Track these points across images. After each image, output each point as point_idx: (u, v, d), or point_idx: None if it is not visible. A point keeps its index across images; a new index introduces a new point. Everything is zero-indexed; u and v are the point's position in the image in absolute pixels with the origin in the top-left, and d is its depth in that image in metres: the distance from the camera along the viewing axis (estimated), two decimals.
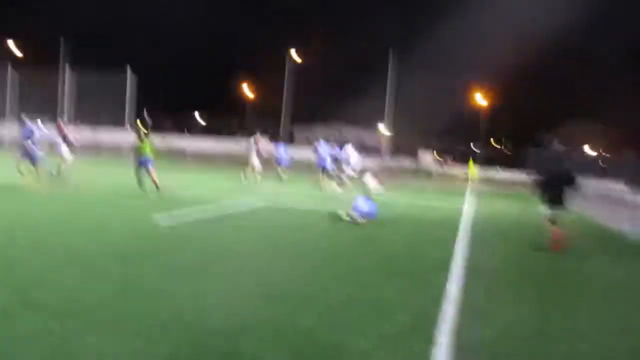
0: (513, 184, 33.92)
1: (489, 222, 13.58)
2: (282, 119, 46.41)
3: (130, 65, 36.46)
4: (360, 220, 10.96)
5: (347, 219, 10.99)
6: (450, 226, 11.94)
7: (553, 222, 9.22)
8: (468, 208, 16.50)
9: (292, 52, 45.30)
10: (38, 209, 10.20)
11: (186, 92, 74.61)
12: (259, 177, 19.46)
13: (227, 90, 68.86)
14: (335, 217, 11.01)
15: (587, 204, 17.16)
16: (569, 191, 9.29)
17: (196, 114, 64.02)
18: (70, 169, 15.37)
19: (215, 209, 11.78)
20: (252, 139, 20.54)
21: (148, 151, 13.72)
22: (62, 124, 16.32)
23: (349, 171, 19.71)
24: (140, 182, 13.48)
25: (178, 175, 19.10)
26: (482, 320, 5.12)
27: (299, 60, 45.83)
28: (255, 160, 19.70)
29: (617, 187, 21.14)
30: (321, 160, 18.68)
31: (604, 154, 55.18)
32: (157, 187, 13.40)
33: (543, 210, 9.45)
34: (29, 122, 14.05)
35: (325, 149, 18.89)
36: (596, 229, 13.75)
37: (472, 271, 7.21)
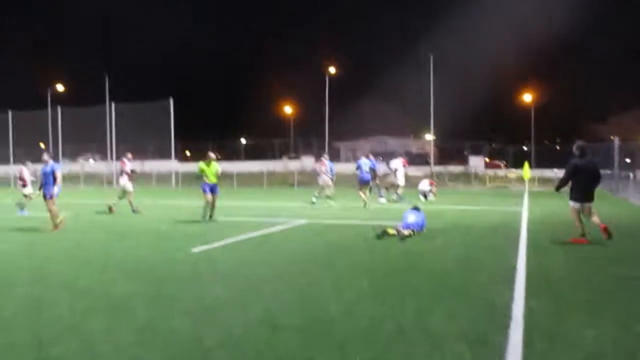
0: None
1: (548, 225, 12.58)
2: (326, 136, 46.14)
3: (172, 95, 36.97)
4: (407, 233, 10.26)
5: (393, 232, 10.31)
6: (506, 232, 11.11)
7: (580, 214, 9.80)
8: (525, 211, 15.49)
9: (330, 68, 44.99)
10: (76, 239, 9.98)
11: (225, 116, 75.71)
12: (331, 201, 18.49)
13: (267, 111, 69.50)
14: (380, 232, 10.33)
15: None
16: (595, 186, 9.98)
17: (242, 140, 64.72)
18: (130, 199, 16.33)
19: (260, 231, 11.32)
20: (321, 160, 19.72)
21: (213, 178, 13.64)
22: (125, 159, 16.92)
23: (396, 183, 19.17)
24: (205, 212, 13.41)
25: (227, 201, 18.88)
26: (557, 349, 4.33)
27: (333, 71, 45.44)
28: (324, 180, 18.78)
29: None
30: (364, 175, 18.02)
31: None
32: (211, 215, 13.47)
33: (572, 204, 9.93)
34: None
35: (366, 164, 18.22)
36: None
37: (538, 285, 6.38)
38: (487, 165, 40.61)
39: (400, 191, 19.70)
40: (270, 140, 52.28)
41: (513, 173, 30.61)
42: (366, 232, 11.06)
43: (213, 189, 13.54)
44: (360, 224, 12.98)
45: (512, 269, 7.31)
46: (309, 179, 33.03)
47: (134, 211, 15.98)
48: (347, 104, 61.74)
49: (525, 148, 52.55)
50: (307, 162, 39.56)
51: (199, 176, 13.75)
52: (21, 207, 16.27)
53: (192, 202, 17.93)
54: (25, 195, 16.53)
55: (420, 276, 7.08)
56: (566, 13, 58.13)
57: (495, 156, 46.56)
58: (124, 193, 16.46)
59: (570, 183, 9.99)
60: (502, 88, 66.81)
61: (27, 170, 16.99)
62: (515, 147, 50.83)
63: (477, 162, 39.16)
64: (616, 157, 24.02)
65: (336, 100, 48.94)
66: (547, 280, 6.76)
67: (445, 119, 53.86)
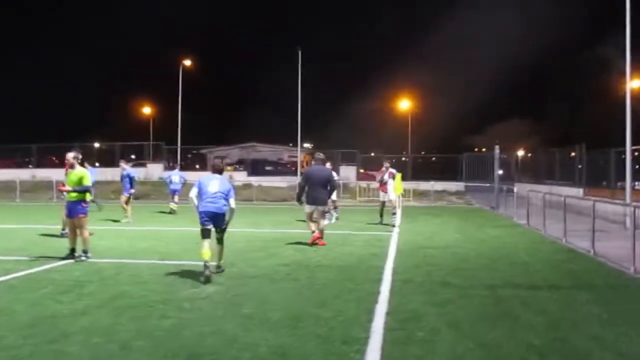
0: (449, 194, 31.11)
1: (417, 265, 10.01)
2: (179, 139, 41.94)
3: None
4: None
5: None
6: (361, 282, 8.28)
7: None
8: (394, 238, 12.93)
9: (186, 62, 41.14)
10: None
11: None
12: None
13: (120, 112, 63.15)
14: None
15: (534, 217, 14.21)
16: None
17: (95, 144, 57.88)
18: None
19: None
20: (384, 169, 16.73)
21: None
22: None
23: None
24: None
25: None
26: None
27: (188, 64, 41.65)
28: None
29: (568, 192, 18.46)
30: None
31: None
32: None
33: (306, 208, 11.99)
34: None
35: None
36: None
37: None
38: (361, 177, 38.76)
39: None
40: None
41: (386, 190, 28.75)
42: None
43: (70, 211, 9.82)
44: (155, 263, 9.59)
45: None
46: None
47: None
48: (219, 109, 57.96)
49: (404, 159, 52.00)
50: (155, 169, 34.95)
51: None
52: None
53: None
54: None
55: None
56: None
57: (370, 166, 45.12)
58: None
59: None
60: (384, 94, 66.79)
61: None
62: (392, 157, 49.98)
63: (348, 173, 37.00)
64: (496, 169, 22.76)
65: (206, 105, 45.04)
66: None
67: (320, 126, 51.92)
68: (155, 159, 39.83)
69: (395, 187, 16.16)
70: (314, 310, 6.29)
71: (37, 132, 52.11)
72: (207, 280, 7.73)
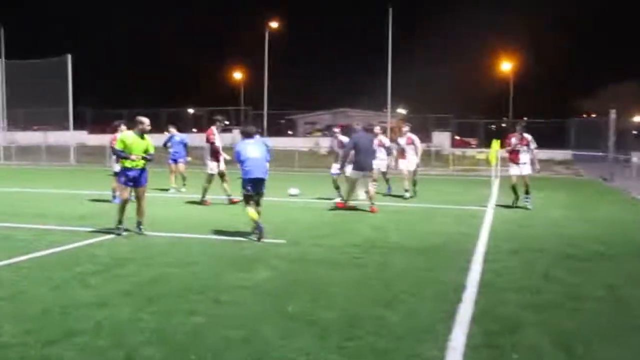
0: (555, 164, 28.35)
1: (515, 250, 8.46)
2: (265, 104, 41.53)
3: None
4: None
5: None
6: (446, 269, 6.91)
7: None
8: (489, 214, 11.32)
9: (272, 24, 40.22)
10: None
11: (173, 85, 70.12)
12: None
13: (211, 79, 63.76)
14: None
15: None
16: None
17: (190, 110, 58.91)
18: None
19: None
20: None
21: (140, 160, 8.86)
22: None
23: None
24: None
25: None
26: None
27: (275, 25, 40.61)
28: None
29: None
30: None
31: None
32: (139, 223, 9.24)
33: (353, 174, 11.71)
34: None
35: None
36: None
37: None
38: (456, 144, 36.53)
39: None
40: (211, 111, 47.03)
41: (483, 153, 26.51)
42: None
43: (137, 179, 8.84)
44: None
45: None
46: None
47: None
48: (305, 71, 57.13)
49: (504, 124, 48.85)
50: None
51: (120, 156, 8.87)
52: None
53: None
54: None
55: None
56: None
57: (467, 133, 42.51)
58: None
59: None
60: (478, 56, 63.05)
61: None
62: (490, 122, 46.96)
63: (442, 140, 34.84)
64: (611, 137, 20.11)
65: (291, 67, 44.29)
66: None
67: (412, 90, 49.75)
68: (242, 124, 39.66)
69: (491, 156, 14.29)
70: (377, 311, 5.04)
71: (129, 98, 53.67)
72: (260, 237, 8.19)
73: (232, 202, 12.29)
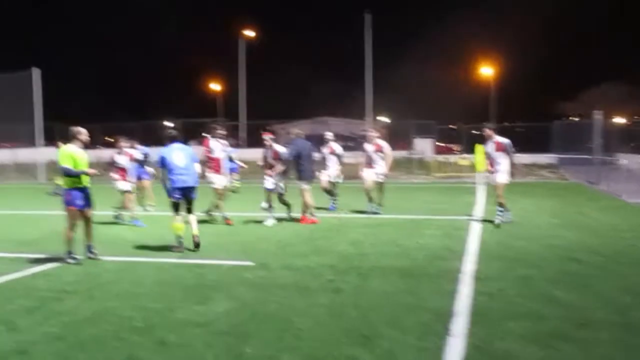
0: (538, 168, 27.84)
1: (507, 268, 7.73)
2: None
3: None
4: None
5: None
6: (431, 295, 6.13)
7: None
8: (476, 226, 10.58)
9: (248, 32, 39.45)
10: None
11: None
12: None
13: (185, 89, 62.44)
14: None
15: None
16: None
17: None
18: None
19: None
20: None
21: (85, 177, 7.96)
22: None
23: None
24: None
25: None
26: None
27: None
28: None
29: None
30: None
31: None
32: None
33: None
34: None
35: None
36: None
37: None
38: (438, 150, 35.89)
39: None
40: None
41: (466, 159, 25.88)
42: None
43: (88, 199, 7.90)
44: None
45: None
46: None
47: None
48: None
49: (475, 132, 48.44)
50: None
51: (74, 174, 7.67)
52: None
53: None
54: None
55: None
56: None
57: (449, 139, 41.99)
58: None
59: None
60: (460, 61, 62.85)
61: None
62: (471, 127, 46.49)
63: (424, 146, 34.14)
64: (597, 138, 19.55)
65: (269, 76, 43.53)
66: None
67: (393, 97, 49.20)
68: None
69: (477, 162, 13.59)
70: (351, 350, 4.24)
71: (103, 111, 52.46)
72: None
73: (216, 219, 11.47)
